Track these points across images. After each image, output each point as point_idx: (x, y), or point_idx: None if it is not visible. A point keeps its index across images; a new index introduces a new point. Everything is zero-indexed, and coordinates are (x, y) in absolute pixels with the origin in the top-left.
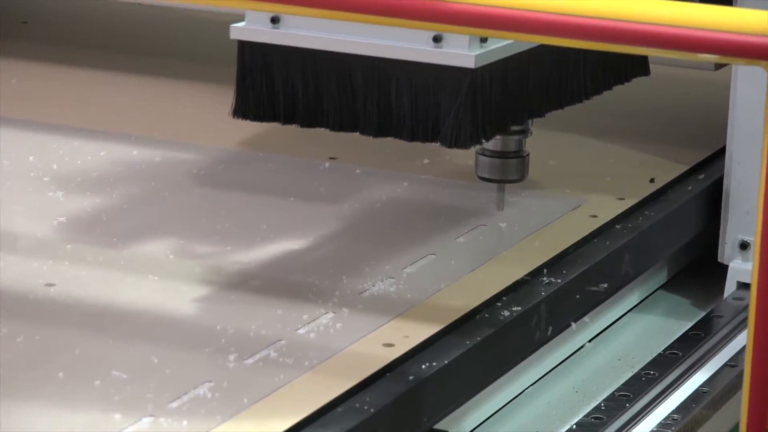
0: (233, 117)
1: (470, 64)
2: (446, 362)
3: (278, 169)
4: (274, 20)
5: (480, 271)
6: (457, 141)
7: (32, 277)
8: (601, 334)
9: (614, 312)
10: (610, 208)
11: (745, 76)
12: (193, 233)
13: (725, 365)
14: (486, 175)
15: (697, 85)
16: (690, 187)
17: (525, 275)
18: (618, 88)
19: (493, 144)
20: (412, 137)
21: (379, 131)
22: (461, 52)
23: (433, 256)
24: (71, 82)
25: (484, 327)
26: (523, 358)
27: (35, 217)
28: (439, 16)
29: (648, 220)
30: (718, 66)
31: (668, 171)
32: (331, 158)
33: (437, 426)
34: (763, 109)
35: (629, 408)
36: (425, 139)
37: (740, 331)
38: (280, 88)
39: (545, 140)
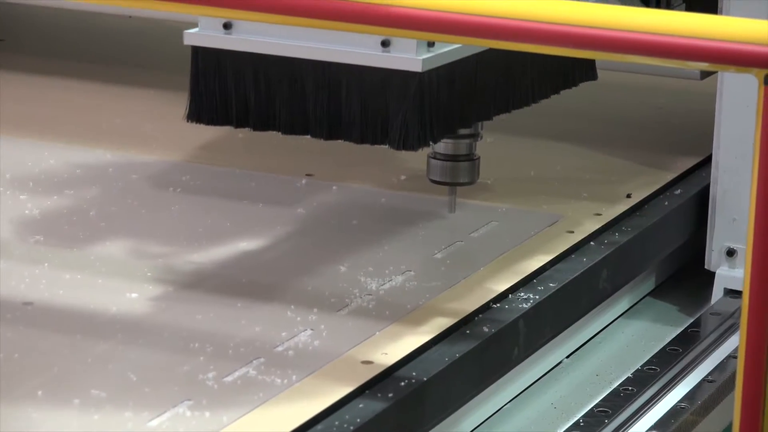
0: (187, 121)
1: (417, 68)
2: (425, 379)
3: (257, 186)
4: (227, 26)
5: (458, 288)
6: (405, 143)
7: (10, 296)
8: (578, 350)
9: (592, 328)
10: (587, 224)
11: (730, 85)
12: (173, 249)
13: (703, 380)
14: (437, 178)
15: (681, 94)
16: (666, 202)
17: (502, 291)
18: (606, 97)
19: (444, 147)
20: (361, 140)
21: (330, 134)
22: (409, 56)
23: (411, 272)
24: (47, 98)
25: (462, 343)
26: (502, 375)
27: (13, 235)
28: (386, 21)
29: (625, 236)
30: (704, 75)
31: (650, 183)
32: (307, 175)
33: None
34: (749, 117)
35: (608, 424)
36: (374, 142)
37: (719, 345)
38: (233, 92)
39: (524, 148)
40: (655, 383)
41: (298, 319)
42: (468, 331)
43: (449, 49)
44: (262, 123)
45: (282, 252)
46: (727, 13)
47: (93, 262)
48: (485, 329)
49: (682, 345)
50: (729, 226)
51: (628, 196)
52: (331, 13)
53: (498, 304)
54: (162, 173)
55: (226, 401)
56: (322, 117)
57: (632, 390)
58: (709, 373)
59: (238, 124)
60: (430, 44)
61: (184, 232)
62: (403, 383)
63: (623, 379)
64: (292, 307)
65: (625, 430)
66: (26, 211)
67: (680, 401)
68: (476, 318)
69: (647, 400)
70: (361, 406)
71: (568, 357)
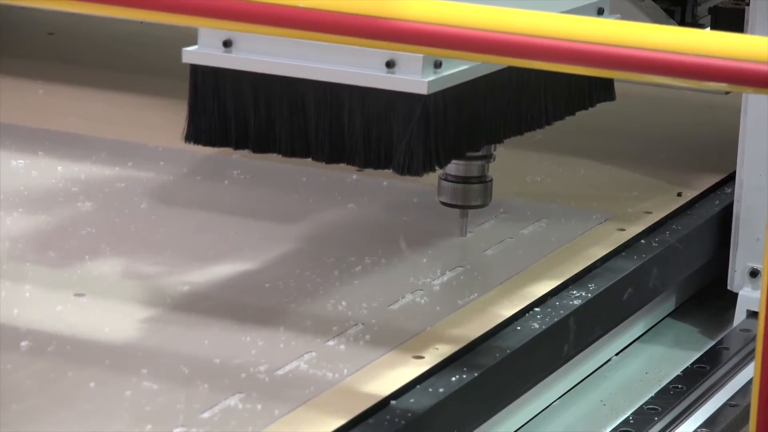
0: (185, 141)
1: (423, 90)
2: (476, 375)
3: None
4: (227, 43)
5: (508, 284)
6: (409, 169)
7: (62, 286)
8: (628, 348)
9: (641, 325)
10: (637, 222)
11: (755, 102)
12: (220, 248)
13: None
14: (447, 201)
15: (710, 108)
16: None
17: (552, 289)
18: (633, 112)
19: (455, 169)
20: (365, 164)
21: (332, 157)
22: (414, 77)
23: (462, 268)
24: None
25: (513, 340)
26: (552, 372)
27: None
28: (391, 35)
29: (675, 234)
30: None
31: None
32: (358, 170)
33: None
34: None
35: (657, 422)
36: (378, 166)
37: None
38: (232, 112)
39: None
40: (704, 381)
41: (349, 313)
42: (518, 328)
43: (457, 70)
44: (262, 145)
45: (329, 246)
46: (753, 29)
47: (143, 256)
48: (535, 326)
49: (731, 343)
50: (753, 246)
51: (679, 194)
52: (333, 26)
53: (549, 301)
54: (215, 166)
55: (278, 395)
56: (324, 140)
57: (682, 388)
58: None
59: (238, 145)
60: (437, 65)
61: (240, 226)
62: (454, 378)
63: (673, 376)
64: (343, 302)
65: (674, 428)
66: (78, 203)
67: (730, 400)
68: (526, 315)
69: (696, 398)
70: (411, 401)
71: (617, 354)
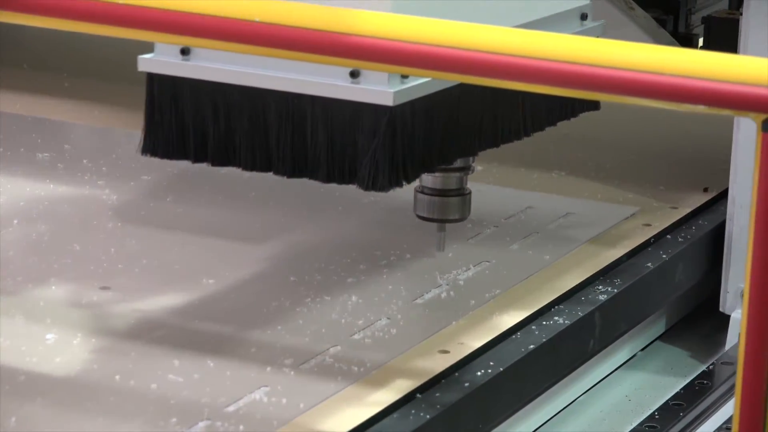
0: (141, 154)
1: (389, 101)
2: (501, 369)
3: None
4: (184, 51)
5: (534, 279)
6: (374, 184)
7: (87, 280)
8: (653, 343)
9: (664, 322)
10: (663, 217)
11: (747, 119)
12: (246, 239)
13: None
14: (424, 214)
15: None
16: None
17: (578, 283)
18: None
19: (432, 181)
20: (328, 178)
21: (294, 171)
22: (379, 88)
23: (488, 263)
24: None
25: (538, 334)
26: (577, 366)
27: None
28: (356, 53)
29: (701, 230)
30: None
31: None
32: None
33: None
34: None
35: (683, 417)
36: (342, 181)
37: None
38: (190, 123)
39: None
40: (731, 377)
41: (375, 307)
42: (544, 323)
43: (426, 80)
44: (221, 158)
45: (357, 241)
46: (746, 39)
47: (168, 247)
48: (561, 321)
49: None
50: (745, 267)
51: (705, 189)
52: (291, 42)
53: (575, 296)
54: None
55: (303, 388)
56: (286, 153)
57: (707, 384)
58: None
59: (196, 158)
60: (404, 75)
61: (269, 219)
62: (479, 373)
63: (698, 372)
64: (369, 296)
65: (699, 423)
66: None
67: None
68: (552, 309)
69: (722, 395)
70: (437, 395)
71: (642, 350)
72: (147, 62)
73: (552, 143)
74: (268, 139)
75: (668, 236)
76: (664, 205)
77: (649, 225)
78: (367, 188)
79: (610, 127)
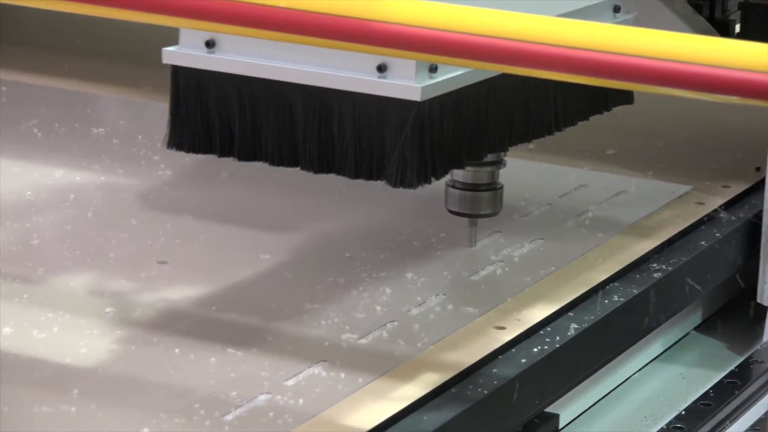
0: (167, 148)
1: (416, 96)
2: (557, 346)
3: None
4: (209, 44)
5: (588, 257)
6: (402, 180)
7: (145, 255)
8: (707, 321)
9: (721, 299)
10: (716, 196)
11: None
12: (300, 219)
13: None
14: (455, 209)
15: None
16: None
17: (632, 261)
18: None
19: (463, 175)
20: (356, 174)
21: (321, 167)
22: (407, 83)
23: (542, 240)
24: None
25: (594, 312)
26: (632, 344)
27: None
28: (383, 40)
29: (753, 209)
30: None
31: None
32: None
33: (548, 409)
34: None
35: (737, 395)
36: (370, 177)
37: None
38: (216, 117)
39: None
40: None
41: (431, 283)
42: (599, 300)
43: (455, 74)
44: (248, 152)
45: (409, 221)
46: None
47: (234, 216)
48: (616, 298)
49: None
50: None
51: (758, 169)
52: (314, 28)
53: (630, 274)
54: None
55: (361, 363)
56: (313, 148)
57: (763, 362)
58: None
59: (222, 152)
60: (433, 69)
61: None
62: (535, 349)
63: (752, 350)
64: (425, 272)
65: (754, 401)
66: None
67: None
68: (607, 287)
69: None
70: (495, 370)
71: (696, 328)
72: (171, 54)
73: (603, 122)
74: (294, 134)
75: (721, 215)
76: (716, 184)
77: (702, 203)
78: (395, 185)
79: (662, 106)
